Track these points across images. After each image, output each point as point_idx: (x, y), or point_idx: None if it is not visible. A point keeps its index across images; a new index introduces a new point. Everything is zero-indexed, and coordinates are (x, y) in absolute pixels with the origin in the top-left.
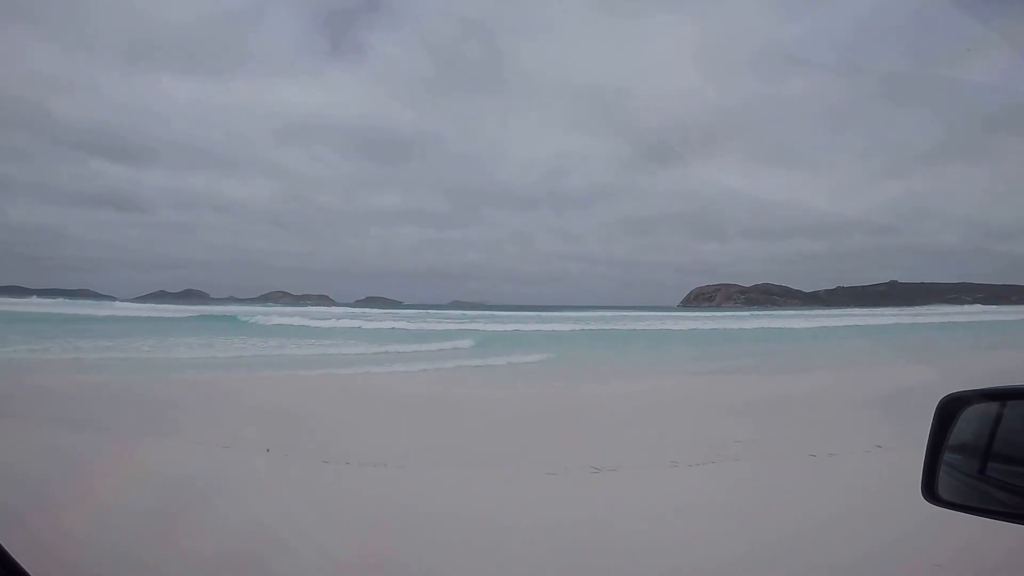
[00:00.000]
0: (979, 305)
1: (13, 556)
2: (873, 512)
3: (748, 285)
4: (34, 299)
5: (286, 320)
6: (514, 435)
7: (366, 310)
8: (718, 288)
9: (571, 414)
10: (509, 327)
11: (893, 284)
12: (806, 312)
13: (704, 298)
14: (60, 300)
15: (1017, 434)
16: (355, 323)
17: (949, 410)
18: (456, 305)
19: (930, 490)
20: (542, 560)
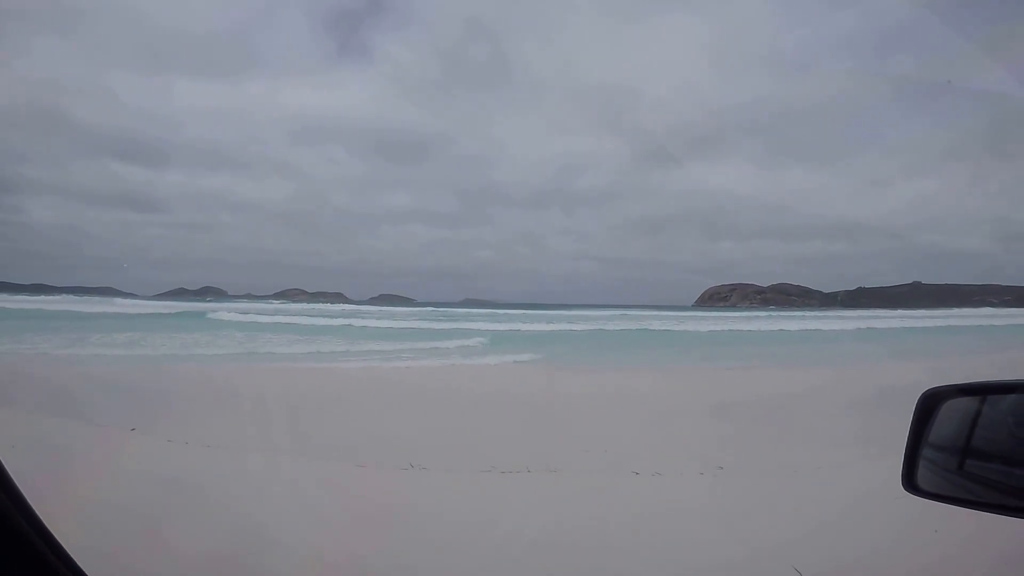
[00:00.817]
0: (1010, 308)
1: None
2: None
3: (765, 285)
4: (41, 297)
5: (256, 317)
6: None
7: (368, 308)
8: (733, 288)
9: (528, 413)
10: (501, 327)
11: (916, 286)
12: (824, 314)
13: (719, 298)
14: (56, 298)
15: (994, 429)
16: (338, 321)
17: (929, 404)
18: (468, 303)
19: (910, 481)
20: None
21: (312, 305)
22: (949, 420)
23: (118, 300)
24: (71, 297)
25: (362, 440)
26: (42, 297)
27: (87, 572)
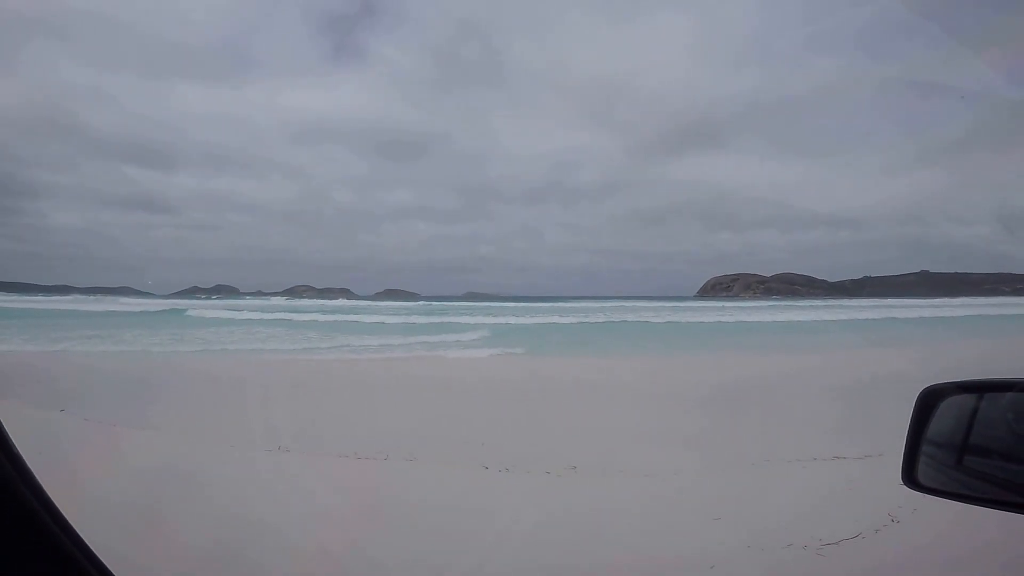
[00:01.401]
0: (1022, 297)
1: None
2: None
3: (768, 275)
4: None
5: (233, 314)
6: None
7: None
8: (736, 278)
9: (442, 404)
10: (472, 320)
11: (923, 274)
12: (824, 303)
13: (721, 288)
14: (68, 298)
15: (993, 425)
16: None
17: (928, 401)
18: (470, 297)
19: (910, 476)
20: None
21: (313, 301)
22: (948, 417)
23: (124, 299)
24: (81, 297)
25: (243, 424)
26: (55, 297)
27: (113, 572)
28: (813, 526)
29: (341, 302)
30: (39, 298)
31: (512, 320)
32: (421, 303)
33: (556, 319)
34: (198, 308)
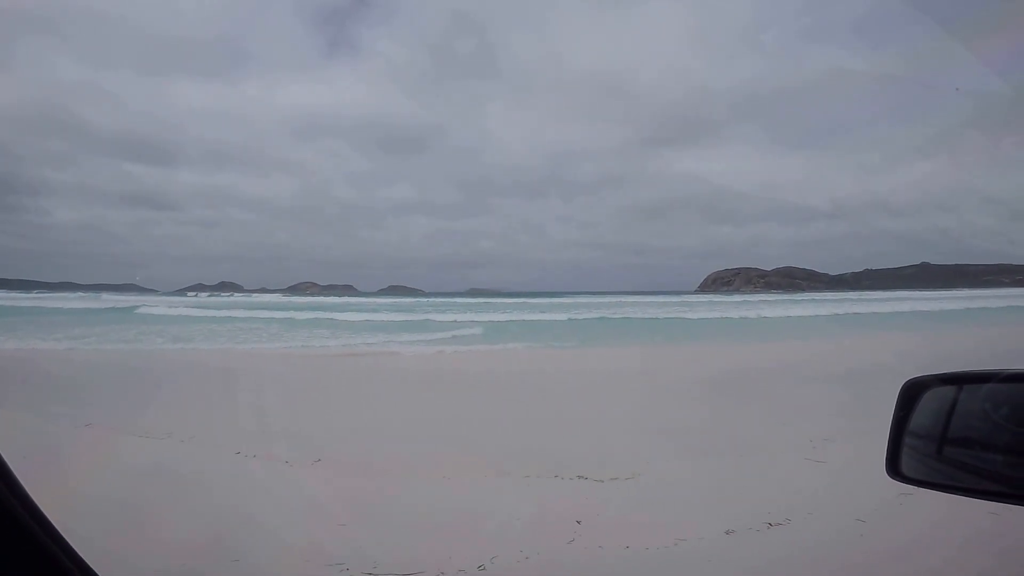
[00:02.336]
0: (1022, 288)
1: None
2: None
3: (769, 269)
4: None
5: (189, 311)
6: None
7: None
8: (737, 272)
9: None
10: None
11: (924, 266)
12: (824, 296)
13: (722, 283)
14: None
15: (970, 417)
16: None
17: (911, 394)
18: (472, 293)
19: (894, 467)
20: None
21: (308, 298)
22: (930, 408)
23: (105, 296)
24: (65, 295)
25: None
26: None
27: (97, 572)
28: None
29: (333, 299)
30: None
31: (496, 318)
32: (414, 300)
33: (548, 316)
34: (153, 306)
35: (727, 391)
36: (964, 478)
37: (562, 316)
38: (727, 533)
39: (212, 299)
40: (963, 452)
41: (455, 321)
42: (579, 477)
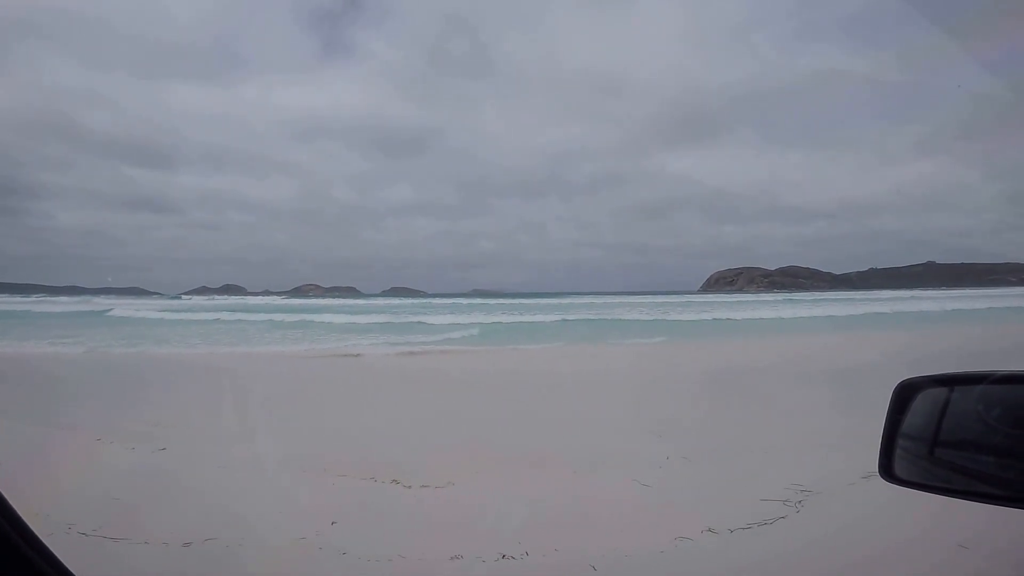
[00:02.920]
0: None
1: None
2: None
3: (772, 268)
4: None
5: (162, 315)
6: None
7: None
8: (740, 272)
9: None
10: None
11: (930, 265)
12: (824, 296)
13: (725, 282)
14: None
15: (962, 418)
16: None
17: (904, 395)
18: (475, 294)
19: (887, 469)
20: None
21: (307, 301)
22: (923, 410)
23: (95, 299)
24: (41, 298)
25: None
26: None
27: (73, 572)
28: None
29: (328, 301)
30: None
31: (484, 319)
32: (414, 301)
33: (540, 318)
34: (125, 308)
35: (621, 398)
36: (957, 480)
37: (540, 318)
38: (452, 559)
39: (206, 302)
40: (956, 454)
41: (429, 324)
42: (393, 481)
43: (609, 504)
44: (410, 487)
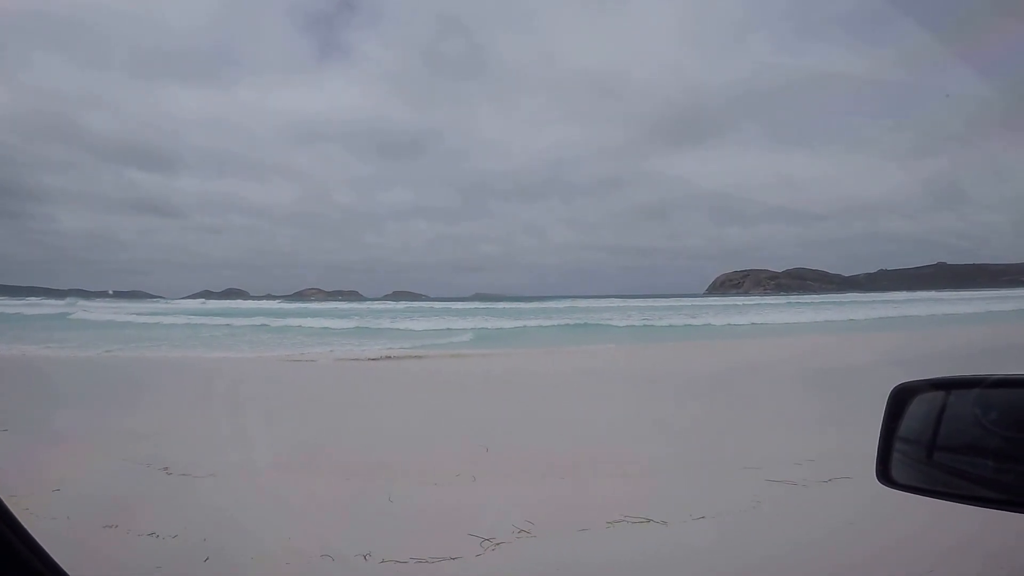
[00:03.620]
0: None
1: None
2: None
3: (779, 270)
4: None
5: (129, 318)
6: None
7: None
8: (746, 274)
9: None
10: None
11: (940, 266)
12: (831, 298)
13: (731, 284)
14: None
15: (959, 422)
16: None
17: (901, 399)
18: (477, 297)
19: (884, 474)
20: None
21: (304, 305)
22: (920, 414)
23: (81, 302)
24: (54, 301)
25: None
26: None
27: (68, 572)
28: None
29: (326, 305)
30: None
31: (458, 325)
32: (414, 303)
33: (538, 322)
34: (88, 311)
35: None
36: (954, 484)
37: (520, 323)
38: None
39: (199, 306)
40: (953, 457)
41: (404, 329)
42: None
43: None
44: (187, 475)
